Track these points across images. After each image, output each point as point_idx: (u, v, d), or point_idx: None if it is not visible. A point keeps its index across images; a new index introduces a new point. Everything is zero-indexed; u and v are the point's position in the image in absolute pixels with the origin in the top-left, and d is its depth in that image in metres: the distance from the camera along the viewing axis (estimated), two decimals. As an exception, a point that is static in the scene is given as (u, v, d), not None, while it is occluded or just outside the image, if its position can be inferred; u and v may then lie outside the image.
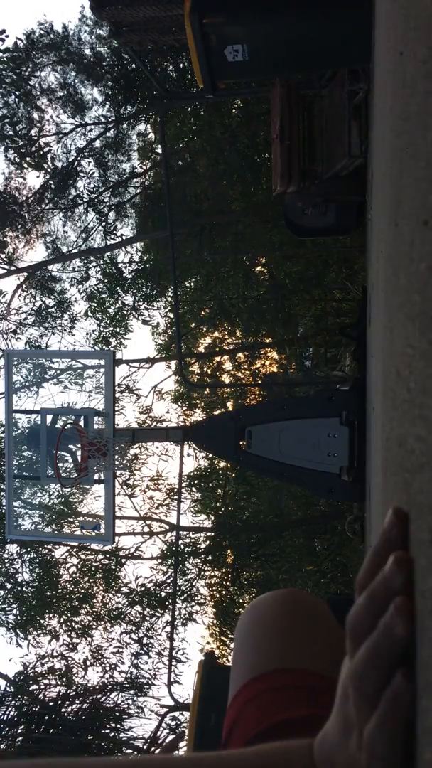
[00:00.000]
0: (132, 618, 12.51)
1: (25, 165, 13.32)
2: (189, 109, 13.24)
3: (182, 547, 12.67)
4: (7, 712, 9.55)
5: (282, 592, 1.05)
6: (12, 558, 12.85)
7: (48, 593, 12.52)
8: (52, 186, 13.87)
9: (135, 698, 11.16)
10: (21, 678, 11.49)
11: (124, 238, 14.73)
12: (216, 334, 16.26)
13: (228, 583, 13.20)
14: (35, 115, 13.40)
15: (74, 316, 14.30)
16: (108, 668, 12.00)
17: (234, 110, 13.20)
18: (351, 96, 5.96)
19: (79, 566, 12.93)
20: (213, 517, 13.89)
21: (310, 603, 1.04)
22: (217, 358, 16.24)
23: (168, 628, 11.82)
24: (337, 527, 12.06)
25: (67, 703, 10.31)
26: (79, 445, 7.59)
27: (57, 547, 13.03)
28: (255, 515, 13.70)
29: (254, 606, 1.04)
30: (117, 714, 10.46)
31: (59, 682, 11.73)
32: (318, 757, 0.56)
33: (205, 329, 16.07)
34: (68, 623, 12.47)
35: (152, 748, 8.12)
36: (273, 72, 6.37)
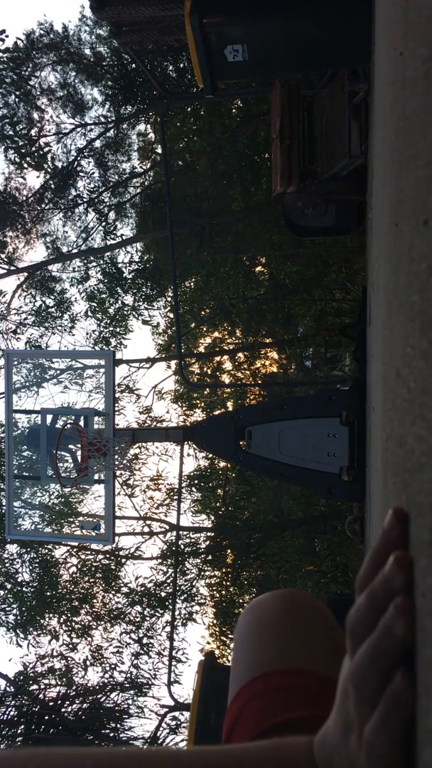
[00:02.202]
0: (132, 618, 12.51)
1: (25, 165, 13.33)
2: (189, 109, 13.24)
3: (182, 547, 12.66)
4: (7, 712, 9.55)
5: (281, 592, 1.05)
6: (12, 558, 12.86)
7: (48, 593, 12.51)
8: (52, 186, 13.87)
9: (135, 698, 11.17)
10: (21, 678, 11.49)
11: (124, 238, 14.73)
12: (216, 334, 16.26)
13: (228, 583, 13.19)
14: (35, 115, 13.41)
15: (74, 316, 14.32)
16: (108, 668, 12.00)
17: (234, 110, 13.20)
18: (351, 96, 5.96)
19: (79, 566, 12.93)
20: (213, 517, 13.89)
21: (310, 603, 1.04)
22: (217, 358, 16.24)
23: (168, 628, 11.82)
24: (337, 527, 12.06)
25: (67, 703, 10.31)
26: (79, 445, 7.59)
27: (57, 547, 13.03)
28: (255, 515, 13.70)
29: (254, 606, 1.05)
30: (117, 714, 10.46)
31: (59, 682, 11.73)
32: (318, 755, 0.56)
33: (205, 329, 16.07)
34: (68, 623, 12.46)
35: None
36: (273, 72, 6.37)
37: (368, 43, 4.76)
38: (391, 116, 1.45)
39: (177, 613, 12.00)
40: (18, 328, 13.91)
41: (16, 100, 12.96)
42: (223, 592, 13.24)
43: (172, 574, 12.12)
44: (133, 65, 12.17)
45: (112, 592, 12.85)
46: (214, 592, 13.27)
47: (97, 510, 12.40)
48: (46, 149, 13.54)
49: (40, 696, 10.76)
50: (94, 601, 12.81)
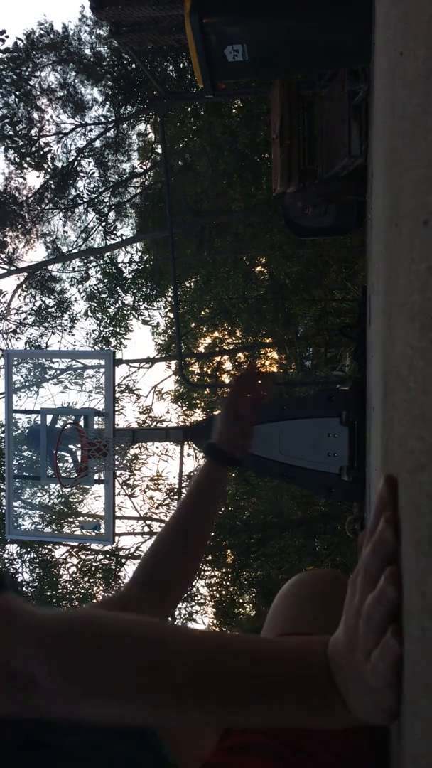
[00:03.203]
0: (132, 618, 12.49)
1: (25, 165, 13.33)
2: (189, 109, 13.24)
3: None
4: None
5: (323, 570, 1.19)
6: (12, 558, 12.86)
7: (48, 593, 12.51)
8: (52, 186, 13.87)
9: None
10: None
11: (124, 238, 14.74)
12: (216, 334, 16.26)
13: (228, 583, 13.20)
14: (35, 115, 13.41)
15: (74, 316, 14.32)
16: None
17: (234, 110, 13.20)
18: (351, 96, 5.95)
19: (79, 566, 12.93)
20: (213, 517, 13.87)
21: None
22: (217, 358, 16.24)
23: (168, 628, 11.80)
24: (337, 527, 12.06)
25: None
26: (79, 445, 7.59)
27: (57, 547, 13.03)
28: (255, 515, 13.70)
29: (296, 580, 1.17)
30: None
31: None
32: (331, 657, 0.63)
33: (205, 329, 16.07)
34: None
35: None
36: (273, 72, 6.36)
37: (368, 43, 4.76)
38: (391, 116, 1.45)
39: (177, 613, 12.00)
40: (18, 328, 13.92)
41: (16, 100, 12.97)
42: (223, 592, 13.25)
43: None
44: (133, 65, 12.17)
45: (112, 592, 12.85)
46: (214, 592, 13.27)
47: (97, 510, 12.41)
48: (46, 149, 13.54)
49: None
50: (94, 601, 12.81)
